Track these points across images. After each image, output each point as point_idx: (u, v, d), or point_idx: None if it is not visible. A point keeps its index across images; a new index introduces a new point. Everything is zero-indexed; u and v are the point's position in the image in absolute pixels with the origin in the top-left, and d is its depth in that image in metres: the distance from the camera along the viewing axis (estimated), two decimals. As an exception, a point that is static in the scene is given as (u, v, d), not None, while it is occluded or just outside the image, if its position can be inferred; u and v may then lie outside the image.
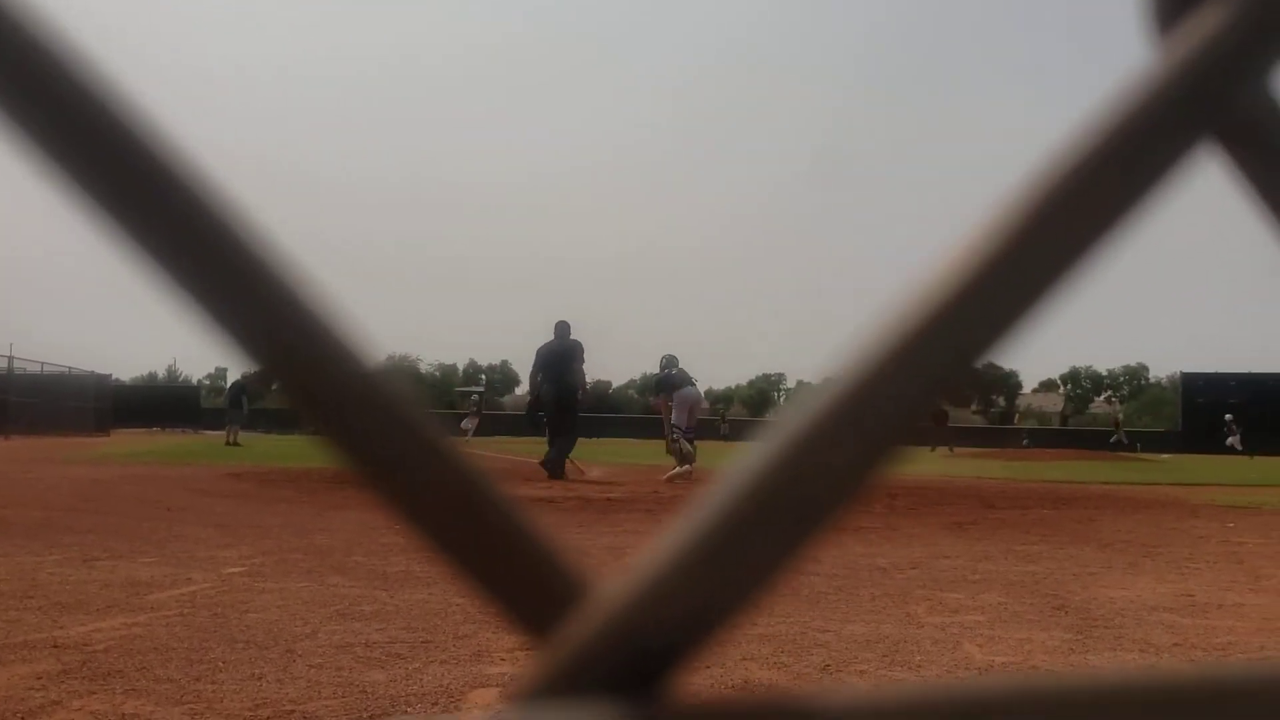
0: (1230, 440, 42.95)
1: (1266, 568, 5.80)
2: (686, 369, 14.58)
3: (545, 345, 13.46)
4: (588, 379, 14.12)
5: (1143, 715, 0.22)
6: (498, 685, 3.12)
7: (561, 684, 0.21)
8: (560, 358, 13.26)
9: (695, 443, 13.56)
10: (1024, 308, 0.22)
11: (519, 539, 0.21)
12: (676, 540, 0.22)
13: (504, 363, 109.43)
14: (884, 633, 4.00)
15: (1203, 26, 0.24)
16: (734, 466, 0.23)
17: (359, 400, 0.22)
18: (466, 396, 53.61)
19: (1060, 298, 0.23)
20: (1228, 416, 46.19)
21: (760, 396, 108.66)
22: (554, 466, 12.73)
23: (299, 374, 0.22)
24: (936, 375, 0.22)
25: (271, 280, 0.22)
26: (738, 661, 3.50)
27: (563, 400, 13.13)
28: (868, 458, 0.22)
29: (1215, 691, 0.23)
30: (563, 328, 13.53)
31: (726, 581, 0.21)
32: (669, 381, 14.20)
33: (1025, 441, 46.50)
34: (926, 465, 18.70)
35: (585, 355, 13.64)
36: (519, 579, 0.21)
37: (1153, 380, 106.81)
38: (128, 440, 30.38)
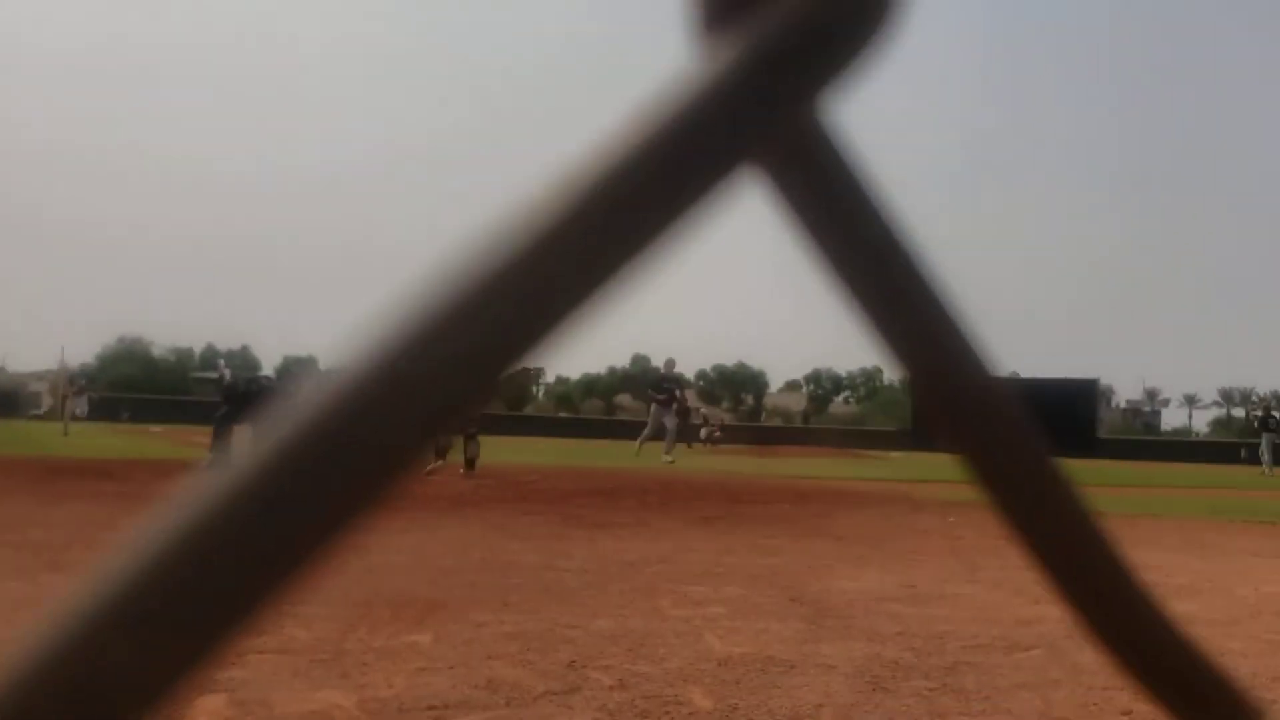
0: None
1: (982, 560, 6.24)
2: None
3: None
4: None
5: None
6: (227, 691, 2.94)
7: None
8: None
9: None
10: (550, 324, 0.20)
11: None
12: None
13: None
14: (630, 627, 4.06)
15: (752, 35, 0.22)
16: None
17: None
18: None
19: (584, 320, 0.21)
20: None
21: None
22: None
23: None
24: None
25: None
26: (483, 660, 3.45)
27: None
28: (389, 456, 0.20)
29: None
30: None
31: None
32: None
33: (717, 434, 49.23)
34: (684, 461, 19.17)
35: None
36: None
37: (887, 382, 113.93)
38: None
